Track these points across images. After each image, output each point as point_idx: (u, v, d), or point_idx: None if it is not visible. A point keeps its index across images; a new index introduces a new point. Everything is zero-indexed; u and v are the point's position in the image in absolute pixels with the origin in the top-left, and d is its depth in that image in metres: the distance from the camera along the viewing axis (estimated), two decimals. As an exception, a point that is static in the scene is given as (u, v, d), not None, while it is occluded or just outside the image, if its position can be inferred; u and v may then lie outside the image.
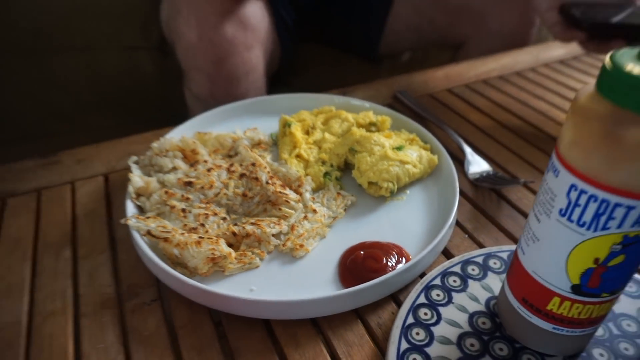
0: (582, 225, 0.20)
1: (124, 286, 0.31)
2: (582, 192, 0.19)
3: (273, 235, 0.32)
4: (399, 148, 0.38)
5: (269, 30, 0.60)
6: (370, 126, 0.42)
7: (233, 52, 0.53)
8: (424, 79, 0.57)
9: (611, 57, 0.18)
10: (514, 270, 0.25)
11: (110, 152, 0.44)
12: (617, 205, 0.19)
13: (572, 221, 0.20)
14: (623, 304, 0.28)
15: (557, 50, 0.64)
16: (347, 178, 0.39)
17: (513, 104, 0.52)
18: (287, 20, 0.77)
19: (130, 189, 0.35)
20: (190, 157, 0.39)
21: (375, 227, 0.34)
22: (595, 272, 0.21)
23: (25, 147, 0.68)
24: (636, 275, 0.30)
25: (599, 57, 0.61)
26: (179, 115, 0.59)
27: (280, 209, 0.34)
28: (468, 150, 0.42)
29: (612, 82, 0.18)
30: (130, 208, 0.34)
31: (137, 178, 0.35)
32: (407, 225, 0.34)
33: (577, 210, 0.20)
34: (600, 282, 0.21)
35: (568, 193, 0.20)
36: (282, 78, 0.85)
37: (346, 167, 0.40)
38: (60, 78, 0.69)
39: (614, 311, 0.28)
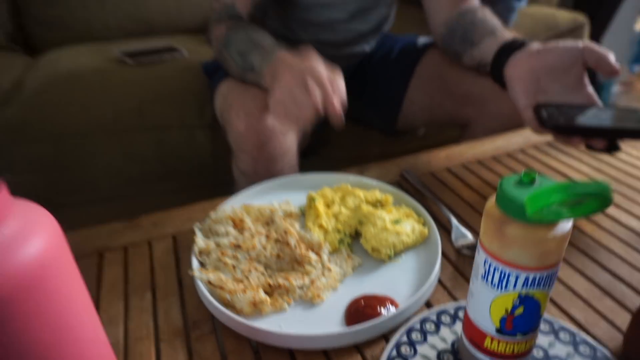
0: (494, 286, 0.31)
1: (190, 321, 0.43)
2: (490, 264, 0.30)
3: (298, 287, 0.44)
4: (396, 221, 0.49)
5: None
6: (376, 202, 0.54)
7: (272, 138, 0.67)
8: (427, 159, 0.69)
9: (500, 182, 0.29)
10: (465, 318, 0.35)
11: (177, 218, 0.57)
12: (510, 273, 0.29)
13: (488, 283, 0.31)
14: (557, 349, 0.37)
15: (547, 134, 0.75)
16: (357, 244, 0.51)
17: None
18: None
19: (195, 248, 0.47)
20: (238, 225, 0.51)
21: (375, 283, 0.45)
22: (508, 318, 0.31)
23: (105, 207, 0.84)
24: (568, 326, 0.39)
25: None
26: (226, 183, 0.73)
27: (304, 267, 0.46)
28: (455, 223, 0.53)
29: (501, 197, 0.29)
30: (195, 262, 0.46)
31: (200, 241, 0.48)
32: (400, 282, 0.45)
33: (490, 276, 0.31)
34: (513, 326, 0.31)
35: (484, 264, 0.31)
36: (314, 149, 0.99)
37: (356, 235, 0.52)
38: (134, 152, 0.86)
39: (549, 353, 0.37)
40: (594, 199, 0.24)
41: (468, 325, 0.34)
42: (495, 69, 0.66)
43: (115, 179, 0.86)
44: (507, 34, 0.68)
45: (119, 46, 1.19)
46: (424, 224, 0.51)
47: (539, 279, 0.29)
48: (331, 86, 0.57)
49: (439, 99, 0.87)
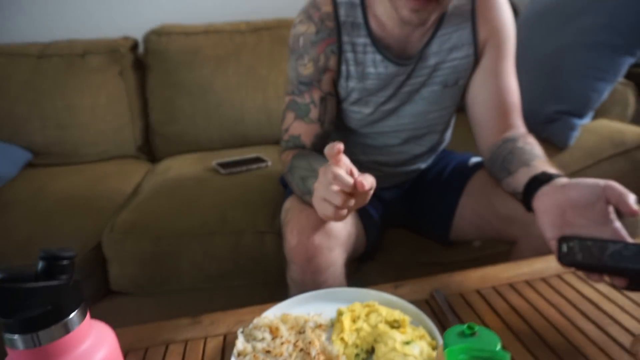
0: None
1: (220, 414, 0.52)
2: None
3: (310, 395, 0.51)
4: (407, 342, 0.55)
5: (350, 232, 0.84)
6: (394, 322, 0.60)
7: (319, 254, 0.77)
8: (461, 278, 0.73)
9: (446, 332, 0.36)
10: None
11: (230, 318, 0.69)
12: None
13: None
14: None
15: (590, 258, 0.75)
16: (371, 358, 0.57)
17: (527, 309, 0.65)
18: (374, 215, 1.02)
19: (235, 350, 0.58)
20: (274, 332, 0.61)
21: (379, 400, 0.51)
22: None
23: (186, 296, 0.99)
24: None
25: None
26: (286, 285, 0.84)
27: (320, 377, 0.53)
28: (468, 348, 0.57)
29: (445, 345, 0.35)
30: (233, 362, 0.56)
31: (240, 344, 0.58)
32: (401, 403, 0.50)
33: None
34: None
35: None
36: (371, 254, 1.07)
37: (372, 350, 0.58)
38: (213, 252, 1.02)
39: None
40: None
41: None
42: (526, 200, 0.71)
43: (197, 274, 1.02)
44: (540, 166, 0.74)
45: (218, 155, 1.44)
46: (435, 348, 0.56)
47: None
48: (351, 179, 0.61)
49: (486, 217, 0.92)
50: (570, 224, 0.63)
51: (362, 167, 0.89)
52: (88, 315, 0.34)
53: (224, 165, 1.34)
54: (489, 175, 0.92)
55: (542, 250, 0.80)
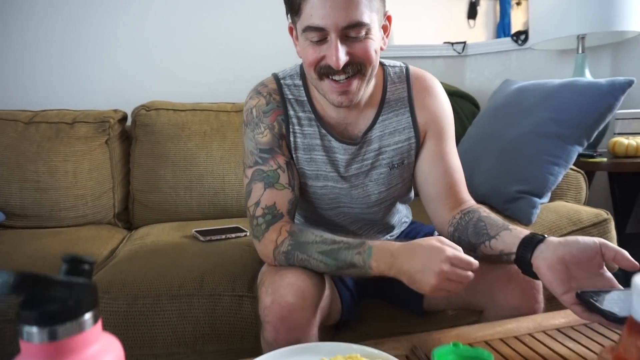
0: None
1: None
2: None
3: None
4: (391, 389, 0.56)
5: (324, 294, 0.86)
6: (376, 370, 0.61)
7: (293, 313, 0.77)
8: (438, 336, 0.75)
9: (433, 351, 0.39)
10: None
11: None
12: None
13: None
14: None
15: (558, 319, 0.80)
16: (356, 408, 0.57)
17: (504, 364, 0.67)
18: (348, 284, 1.05)
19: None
20: (257, 381, 0.60)
21: None
22: None
23: (155, 363, 0.95)
24: None
25: (591, 326, 0.75)
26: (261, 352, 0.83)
27: None
28: (450, 397, 0.58)
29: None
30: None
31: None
32: None
33: None
34: None
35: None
36: (347, 324, 1.07)
37: (356, 400, 0.58)
38: (190, 315, 1.00)
39: None
40: None
41: None
42: (521, 259, 0.77)
43: (171, 337, 0.99)
44: (521, 229, 0.82)
45: (197, 225, 1.45)
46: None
47: None
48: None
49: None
50: (574, 278, 0.70)
51: None
52: (100, 320, 0.36)
53: (203, 233, 1.36)
54: None
55: (507, 318, 0.83)
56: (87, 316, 0.34)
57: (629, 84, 1.23)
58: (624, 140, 1.56)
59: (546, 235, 0.77)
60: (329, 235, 0.84)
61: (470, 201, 0.97)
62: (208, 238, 1.31)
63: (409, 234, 1.14)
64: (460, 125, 1.64)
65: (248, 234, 1.38)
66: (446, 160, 0.97)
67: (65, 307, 0.32)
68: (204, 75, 2.06)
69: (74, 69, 1.93)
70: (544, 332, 0.76)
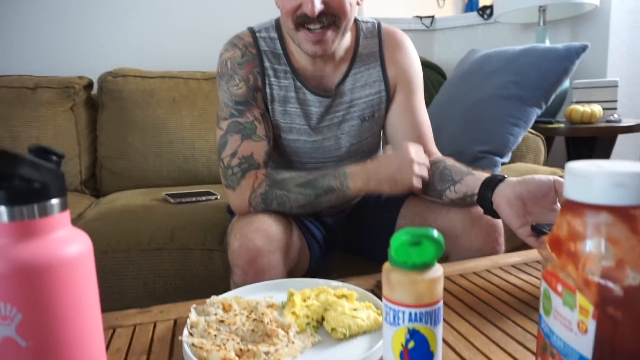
0: (391, 324, 0.40)
1: (172, 376, 0.52)
2: (387, 305, 0.40)
3: (264, 352, 0.53)
4: (355, 309, 0.59)
5: (291, 240, 0.88)
6: (342, 296, 0.64)
7: (261, 255, 0.80)
8: (402, 274, 0.79)
9: (391, 241, 0.41)
10: (382, 364, 0.43)
11: (181, 308, 0.69)
12: (398, 310, 0.39)
13: (387, 322, 0.41)
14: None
15: (514, 258, 0.85)
16: (323, 329, 0.60)
17: (460, 291, 0.71)
18: (317, 235, 1.07)
19: (188, 321, 0.58)
20: (227, 308, 0.62)
21: (329, 355, 0.54)
22: (404, 352, 0.40)
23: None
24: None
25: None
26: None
27: (272, 340, 0.55)
28: (410, 317, 0.61)
29: (389, 254, 0.41)
30: (185, 332, 0.57)
31: (193, 316, 0.59)
32: (347, 353, 0.53)
33: (388, 316, 0.40)
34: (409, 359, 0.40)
35: (384, 308, 0.41)
36: (316, 275, 1.10)
37: (322, 320, 0.61)
38: (161, 268, 1.01)
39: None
40: (429, 241, 0.36)
41: (383, 368, 0.42)
42: (483, 198, 0.82)
43: (142, 290, 0.99)
44: (482, 173, 0.87)
45: (167, 190, 1.45)
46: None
47: (421, 315, 0.39)
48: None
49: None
50: (529, 213, 0.76)
51: None
52: (69, 212, 0.37)
53: (174, 195, 1.36)
54: (420, 199, 1.02)
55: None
56: (55, 201, 0.34)
57: (584, 48, 1.30)
58: (579, 108, 1.64)
59: (505, 176, 0.81)
60: (303, 172, 0.88)
61: (437, 153, 1.01)
62: (178, 200, 1.31)
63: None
64: (427, 94, 1.68)
65: (219, 197, 1.38)
66: (415, 114, 1.00)
67: (33, 187, 0.33)
68: (172, 43, 2.03)
69: (37, 34, 1.87)
70: (500, 268, 0.81)
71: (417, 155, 0.87)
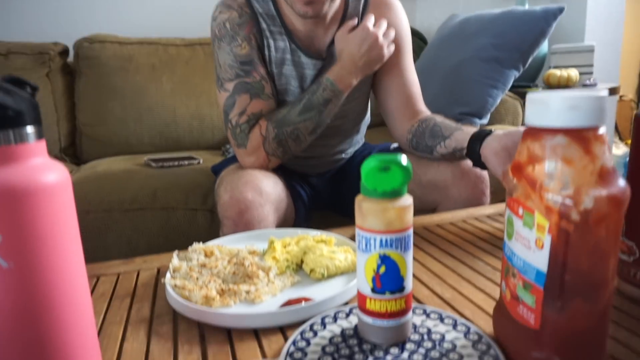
0: (363, 251, 0.42)
1: (155, 314, 0.54)
2: (359, 233, 0.42)
3: (244, 290, 0.55)
4: (333, 252, 0.61)
5: (280, 196, 0.90)
6: (321, 242, 0.66)
7: (251, 208, 0.82)
8: (380, 225, 0.82)
9: (361, 169, 0.43)
10: (357, 293, 0.46)
11: (164, 257, 0.71)
12: (370, 237, 0.41)
13: (360, 250, 0.43)
14: (439, 328, 0.46)
15: (489, 210, 0.88)
16: (303, 273, 0.62)
17: (435, 238, 0.74)
18: (302, 195, 1.09)
19: (170, 266, 0.60)
20: (209, 254, 0.64)
21: (307, 293, 0.56)
22: (376, 277, 0.42)
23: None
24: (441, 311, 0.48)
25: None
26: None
27: (252, 280, 0.57)
28: (386, 259, 0.64)
29: (361, 183, 0.43)
30: (168, 275, 0.58)
31: (175, 261, 0.61)
32: (325, 292, 0.55)
33: (360, 244, 0.43)
34: (382, 284, 0.42)
35: (357, 236, 0.43)
36: (300, 234, 1.12)
37: (302, 264, 0.63)
38: (143, 227, 1.02)
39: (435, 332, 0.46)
40: (397, 168, 0.38)
41: (358, 296, 0.44)
42: (472, 151, 0.85)
43: (125, 249, 1.00)
44: (471, 128, 0.90)
45: (149, 156, 1.44)
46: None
47: (391, 240, 0.41)
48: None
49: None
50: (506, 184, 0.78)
51: (291, 161, 0.97)
52: (44, 142, 0.37)
53: (156, 160, 1.35)
54: (410, 154, 1.04)
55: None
56: (31, 129, 0.35)
57: (560, 10, 1.31)
58: (557, 72, 1.66)
59: (492, 130, 0.84)
60: (292, 99, 0.91)
61: (426, 112, 1.03)
62: (160, 164, 1.31)
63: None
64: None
65: (201, 161, 1.39)
66: (404, 73, 1.01)
67: (7, 113, 0.33)
68: (149, 9, 1.98)
69: (6, -1, 1.81)
70: (476, 218, 0.84)
71: (378, 27, 0.90)
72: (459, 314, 0.51)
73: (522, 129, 0.80)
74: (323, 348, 0.44)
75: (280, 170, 1.00)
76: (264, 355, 0.45)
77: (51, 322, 0.35)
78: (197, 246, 0.65)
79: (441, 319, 0.48)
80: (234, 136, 0.91)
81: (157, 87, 1.60)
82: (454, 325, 0.46)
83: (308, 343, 0.44)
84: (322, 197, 1.17)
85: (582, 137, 0.35)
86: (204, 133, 1.62)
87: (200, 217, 1.05)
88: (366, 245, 0.42)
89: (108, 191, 1.05)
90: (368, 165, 0.39)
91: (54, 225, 0.36)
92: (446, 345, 0.43)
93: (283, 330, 0.49)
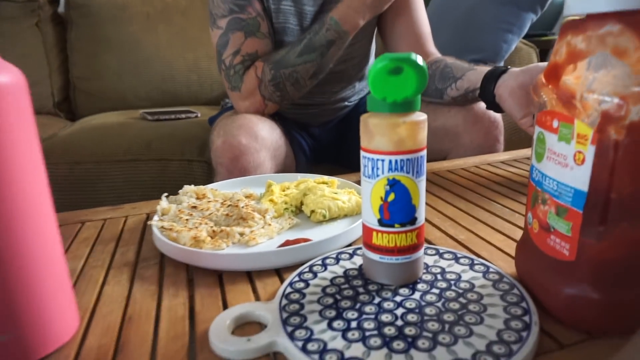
0: (369, 177, 0.37)
1: (141, 258, 0.49)
2: (365, 157, 0.37)
3: (238, 233, 0.50)
4: (335, 192, 0.56)
5: (277, 142, 0.84)
6: (323, 182, 0.61)
7: (245, 153, 0.76)
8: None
9: (369, 69, 0.37)
10: (362, 227, 0.40)
11: (154, 204, 0.65)
12: (377, 159, 0.36)
13: (366, 177, 0.37)
14: (454, 268, 0.41)
15: (504, 156, 0.82)
16: (303, 216, 0.57)
17: (446, 182, 0.68)
18: (304, 145, 1.03)
19: (158, 208, 0.55)
20: (201, 198, 0.59)
21: (307, 235, 0.51)
22: (384, 207, 0.37)
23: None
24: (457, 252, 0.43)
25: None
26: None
27: (247, 222, 0.52)
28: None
29: (368, 98, 0.36)
30: (156, 217, 0.53)
31: (164, 202, 0.56)
32: (327, 234, 0.50)
33: (366, 169, 0.37)
34: (390, 215, 0.37)
35: (362, 161, 0.37)
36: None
37: (302, 206, 0.58)
38: (137, 179, 0.97)
39: (445, 269, 0.41)
40: (411, 69, 0.32)
41: (364, 230, 0.39)
42: (485, 91, 0.77)
43: (117, 201, 0.96)
44: (484, 67, 0.81)
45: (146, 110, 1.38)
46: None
47: (402, 162, 0.35)
48: None
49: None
50: (533, 103, 0.70)
51: (290, 109, 0.91)
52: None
53: (152, 113, 1.29)
54: None
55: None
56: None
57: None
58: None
59: (509, 67, 0.77)
60: (291, 39, 0.84)
61: (436, 53, 0.96)
62: (156, 117, 1.25)
63: (364, 98, 1.11)
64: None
65: (199, 115, 1.32)
66: (414, 13, 0.94)
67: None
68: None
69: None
70: (490, 164, 0.78)
71: None
72: (475, 255, 0.46)
73: (542, 64, 0.73)
74: (323, 289, 0.39)
75: (279, 119, 0.93)
76: (257, 298, 0.40)
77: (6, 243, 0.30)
78: (189, 188, 0.60)
79: (456, 259, 0.43)
80: (228, 78, 0.85)
81: (152, 39, 1.52)
82: (471, 265, 0.41)
83: (307, 284, 0.40)
84: (325, 149, 1.11)
85: (638, 22, 0.28)
86: (202, 87, 1.55)
87: (197, 169, 1.00)
88: (372, 169, 0.36)
89: (99, 142, 1.00)
90: (376, 67, 0.32)
91: (7, 131, 0.30)
92: (463, 285, 0.38)
93: (279, 273, 0.44)
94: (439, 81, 0.88)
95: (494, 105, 0.78)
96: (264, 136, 0.79)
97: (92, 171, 0.95)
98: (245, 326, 0.36)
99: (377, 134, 0.35)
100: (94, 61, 1.49)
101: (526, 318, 0.33)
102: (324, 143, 1.09)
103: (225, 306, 0.39)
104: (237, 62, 0.84)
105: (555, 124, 0.32)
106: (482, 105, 0.86)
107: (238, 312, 0.36)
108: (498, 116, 0.89)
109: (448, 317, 0.34)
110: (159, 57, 1.51)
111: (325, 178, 0.62)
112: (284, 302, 0.37)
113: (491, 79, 0.77)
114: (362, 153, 0.37)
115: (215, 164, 0.79)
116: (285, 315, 0.35)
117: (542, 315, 0.34)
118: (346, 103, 1.07)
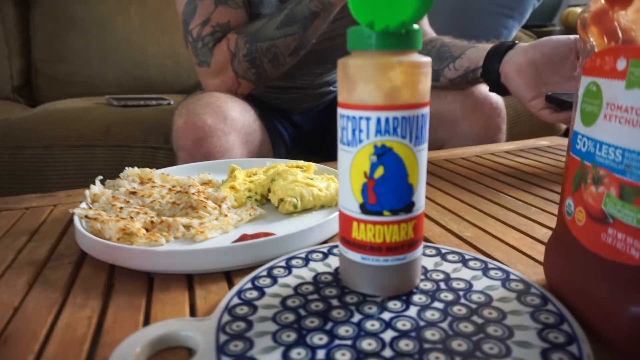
0: (349, 144, 0.26)
1: (54, 255, 0.38)
2: (343, 115, 0.26)
3: (183, 224, 0.39)
4: (310, 178, 0.45)
5: (250, 126, 0.73)
6: (297, 167, 0.50)
7: (211, 135, 0.65)
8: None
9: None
10: (339, 216, 0.29)
11: (94, 192, 0.54)
12: (359, 119, 0.25)
13: (344, 144, 0.26)
14: (462, 273, 0.31)
15: (507, 146, 0.72)
16: (271, 206, 0.46)
17: (445, 172, 0.58)
18: (283, 133, 0.92)
19: (87, 193, 0.44)
20: (145, 182, 0.48)
21: (272, 228, 0.40)
22: (369, 185, 0.26)
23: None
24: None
25: (542, 148, 0.68)
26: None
27: (198, 212, 0.41)
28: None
29: (348, 33, 0.26)
30: (83, 204, 0.42)
31: (95, 187, 0.44)
32: (296, 228, 0.39)
33: (344, 133, 0.26)
34: (377, 198, 0.26)
35: (340, 123, 0.27)
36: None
37: (269, 192, 0.47)
38: (92, 167, 0.85)
39: (450, 275, 0.30)
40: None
41: (341, 220, 0.28)
42: (489, 70, 0.67)
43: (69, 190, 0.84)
44: (487, 44, 0.72)
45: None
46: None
47: (393, 122, 0.25)
48: None
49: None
50: (544, 83, 0.61)
51: (268, 92, 0.81)
52: None
53: (119, 99, 1.18)
54: None
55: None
56: None
57: None
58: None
59: (516, 42, 0.67)
60: (272, 13, 0.73)
61: (432, 33, 0.87)
62: (123, 103, 1.13)
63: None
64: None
65: (172, 102, 1.21)
66: None
67: None
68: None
69: None
70: (493, 154, 0.68)
71: None
72: (487, 257, 0.35)
73: (555, 37, 0.63)
74: (283, 301, 0.28)
75: (255, 102, 0.82)
76: (193, 312, 0.29)
77: None
78: (131, 171, 0.49)
79: (464, 262, 0.32)
80: (195, 51, 0.74)
81: (124, 21, 1.40)
82: (484, 270, 0.31)
83: (262, 293, 0.29)
84: (308, 139, 1.00)
85: None
86: (179, 75, 1.43)
87: (162, 157, 0.89)
88: (354, 132, 0.25)
89: (50, 125, 0.88)
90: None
91: None
92: (476, 297, 0.27)
93: (230, 278, 0.33)
94: (435, 62, 0.78)
95: (498, 86, 0.68)
96: (234, 117, 0.68)
97: (39, 157, 0.83)
98: (166, 353, 0.25)
99: (360, 81, 0.24)
100: (58, 43, 1.36)
101: (573, 349, 0.23)
102: (306, 131, 0.99)
103: (147, 322, 0.28)
104: (206, 33, 0.73)
105: (621, 64, 0.22)
106: (482, 89, 0.76)
107: (156, 333, 0.25)
108: (500, 102, 0.79)
109: (459, 345, 0.23)
110: (130, 41, 1.39)
111: (301, 163, 0.51)
112: (226, 318, 0.26)
113: (496, 56, 0.67)
114: (340, 110, 0.26)
115: (176, 147, 0.67)
116: (223, 338, 0.24)
117: (593, 344, 0.23)
118: (331, 88, 0.97)
